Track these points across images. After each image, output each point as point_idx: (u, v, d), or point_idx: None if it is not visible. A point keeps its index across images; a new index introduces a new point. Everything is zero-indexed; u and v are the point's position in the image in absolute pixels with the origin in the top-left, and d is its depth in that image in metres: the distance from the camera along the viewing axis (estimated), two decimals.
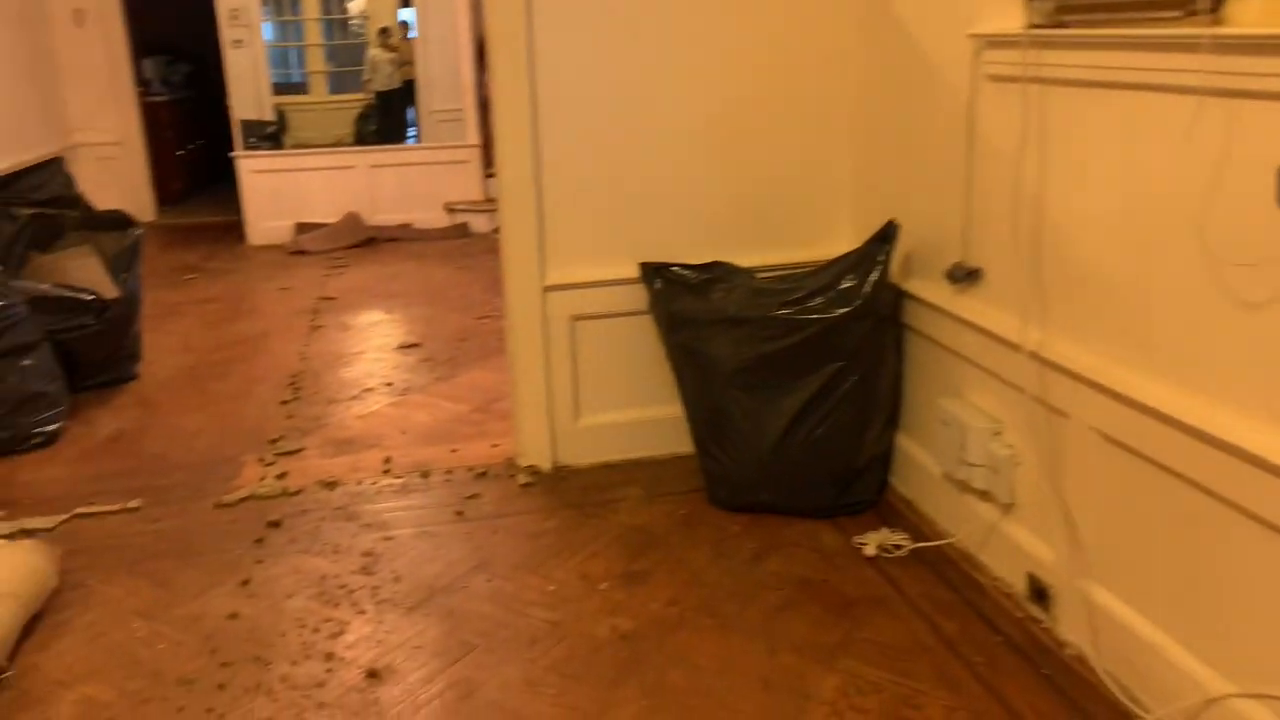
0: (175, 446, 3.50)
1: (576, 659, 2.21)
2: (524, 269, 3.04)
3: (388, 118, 9.19)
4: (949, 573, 2.50)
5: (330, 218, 7.08)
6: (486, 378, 4.08)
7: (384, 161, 7.21)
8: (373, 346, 4.64)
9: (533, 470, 3.13)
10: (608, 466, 3.14)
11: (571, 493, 3.01)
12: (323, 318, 5.15)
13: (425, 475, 3.20)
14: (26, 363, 3.50)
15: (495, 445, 3.37)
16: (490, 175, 7.28)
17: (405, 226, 7.25)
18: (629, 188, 3.01)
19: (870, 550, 2.61)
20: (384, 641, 2.29)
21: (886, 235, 2.67)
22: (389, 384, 4.10)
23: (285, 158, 7.14)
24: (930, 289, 2.66)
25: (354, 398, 3.95)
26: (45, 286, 3.79)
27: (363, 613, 2.41)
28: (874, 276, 2.63)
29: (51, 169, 5.60)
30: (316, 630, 2.34)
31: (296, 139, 9.22)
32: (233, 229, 7.20)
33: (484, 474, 3.17)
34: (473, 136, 7.28)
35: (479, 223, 7.25)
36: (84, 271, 4.00)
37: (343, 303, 5.45)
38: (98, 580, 2.59)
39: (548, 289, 3.04)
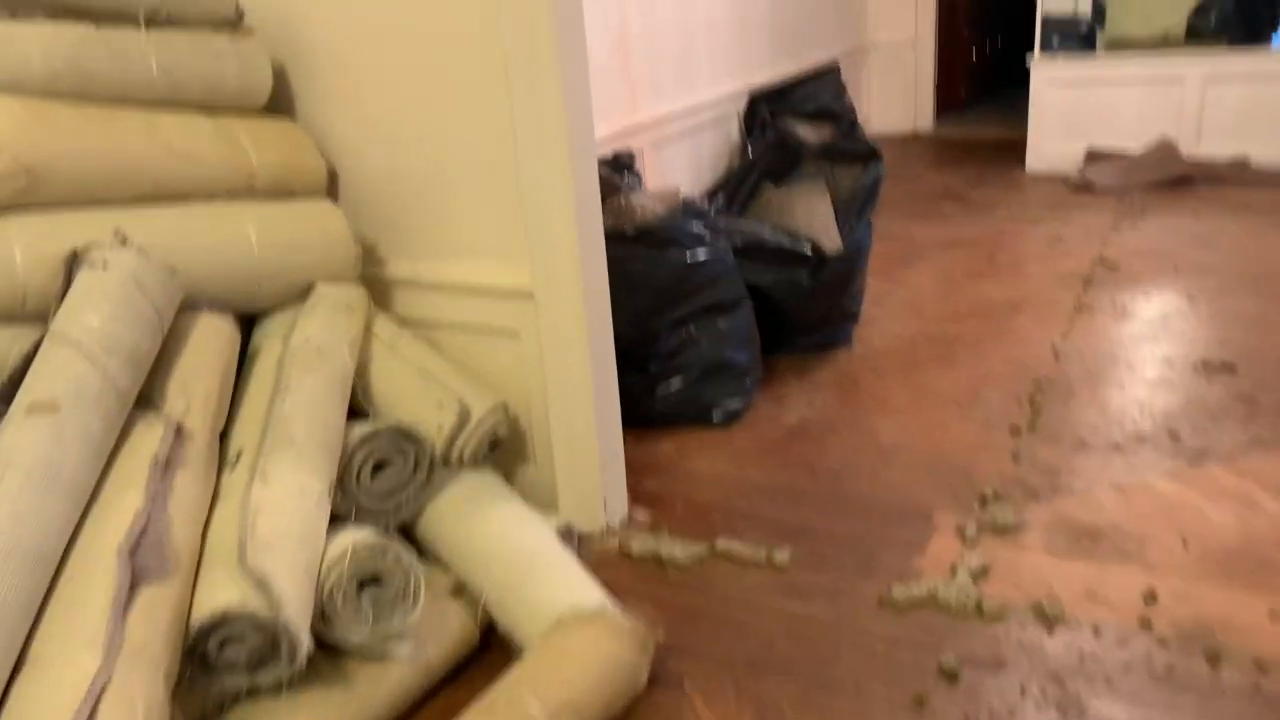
0: (860, 466, 2.69)
1: None
2: None
3: (1239, 7, 6.99)
4: None
5: (1132, 144, 5.52)
6: None
7: (1227, 71, 5.32)
8: (1158, 356, 3.23)
9: None
10: None
11: None
12: (1095, 292, 3.83)
13: (1212, 659, 1.86)
14: (723, 325, 2.97)
15: None
16: None
17: (1238, 164, 5.33)
18: None
19: None
20: None
21: None
22: (1173, 434, 2.71)
23: (1091, 65, 5.70)
24: None
25: (1115, 446, 2.67)
26: (764, 230, 3.22)
27: None
28: None
29: (826, 79, 5.13)
30: None
31: (1113, 34, 7.60)
32: (1012, 149, 6.09)
33: None
34: None
35: None
36: (810, 214, 3.35)
37: (1126, 272, 4.03)
38: (696, 688, 1.90)
39: None
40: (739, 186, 3.50)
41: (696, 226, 2.91)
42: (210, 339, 1.88)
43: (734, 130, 5.19)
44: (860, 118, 6.96)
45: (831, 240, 3.26)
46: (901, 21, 6.93)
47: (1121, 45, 6.27)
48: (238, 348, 1.98)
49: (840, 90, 5.16)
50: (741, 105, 5.15)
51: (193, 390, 1.77)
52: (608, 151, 3.70)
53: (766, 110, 4.99)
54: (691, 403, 2.95)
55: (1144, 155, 5.46)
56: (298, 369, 1.95)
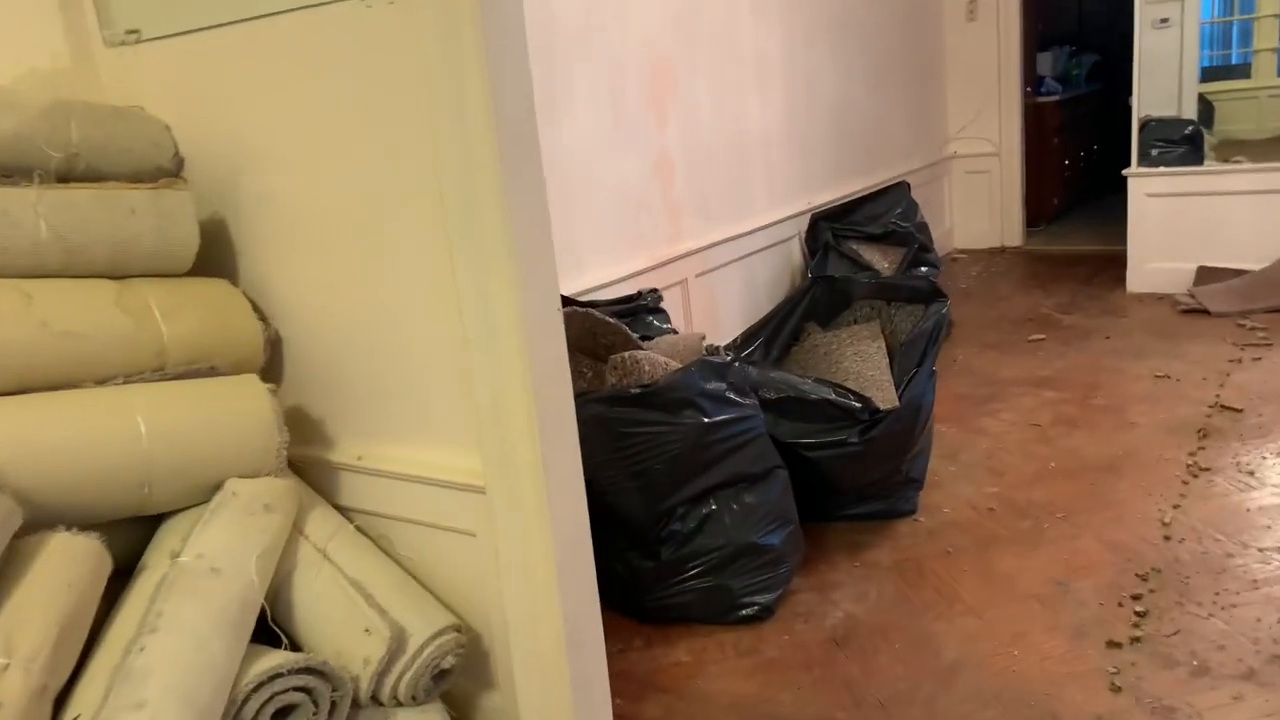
0: (914, 694, 2.15)
1: None
2: None
3: None
4: None
5: (1251, 263, 4.90)
6: None
7: None
8: None
9: None
10: None
11: None
12: (1213, 449, 3.22)
13: None
14: (751, 499, 2.51)
15: None
16: None
17: None
18: None
19: None
20: None
21: None
22: None
23: (1197, 176, 5.13)
24: None
25: (1246, 676, 2.08)
26: (805, 383, 2.76)
27: None
28: None
29: (893, 195, 4.72)
30: None
31: (1224, 135, 7.04)
32: (1110, 264, 5.51)
33: None
34: None
35: None
36: (861, 363, 2.89)
37: (1252, 421, 3.41)
38: None
39: None
40: (779, 330, 3.08)
41: (718, 382, 2.48)
42: (57, 569, 1.52)
43: (795, 254, 4.80)
44: (943, 233, 6.52)
45: (885, 395, 2.79)
46: (986, 130, 6.49)
47: (1230, 151, 5.71)
48: (105, 575, 1.61)
49: (910, 208, 4.73)
50: (803, 227, 4.77)
51: (15, 640, 1.40)
52: (632, 289, 3.33)
53: (829, 233, 4.59)
54: (713, 596, 2.47)
55: (1264, 273, 4.82)
56: (176, 597, 1.57)
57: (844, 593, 2.58)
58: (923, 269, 4.40)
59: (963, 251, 6.61)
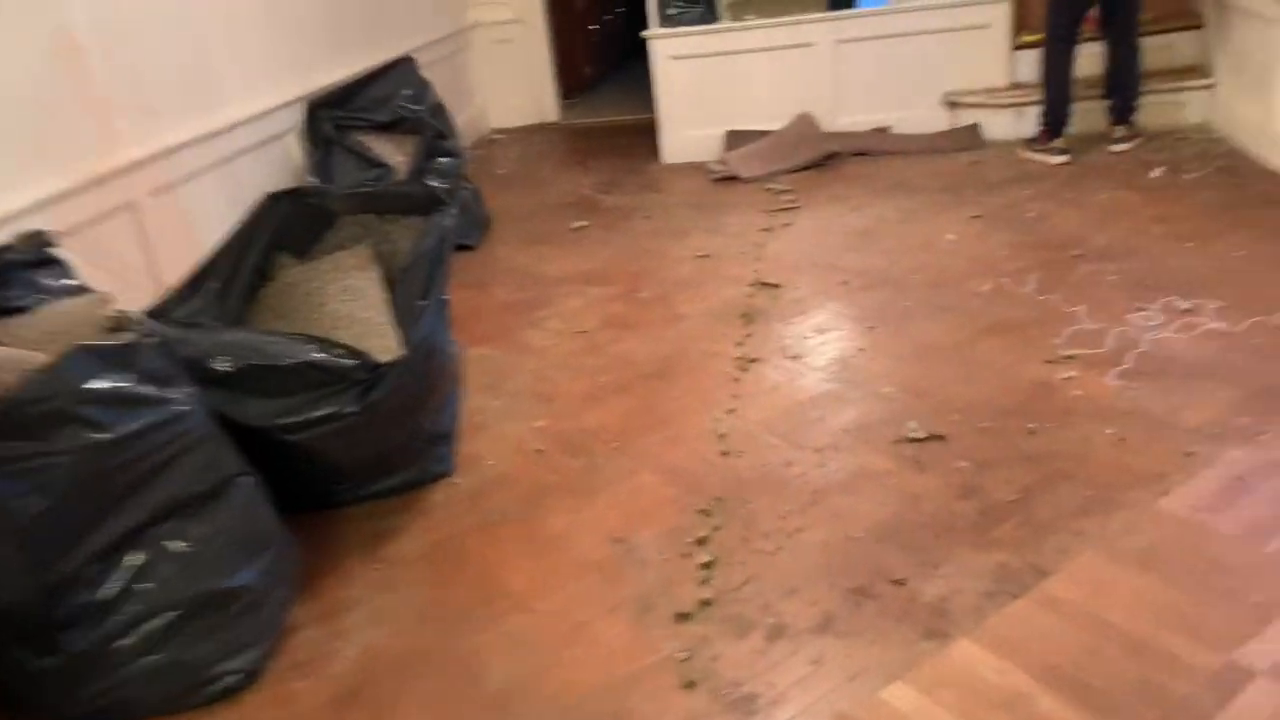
0: None
1: None
2: None
3: None
4: None
5: (775, 121, 4.87)
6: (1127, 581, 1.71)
7: (856, 34, 4.78)
8: (848, 432, 2.42)
9: None
10: None
11: None
12: (758, 333, 3.01)
13: None
14: (200, 529, 1.77)
15: None
16: (1024, 45, 4.58)
17: (880, 132, 4.84)
18: None
19: None
20: None
21: None
22: (899, 584, 1.88)
23: (714, 35, 4.96)
24: None
25: (823, 628, 1.79)
26: (276, 341, 2.03)
27: None
28: None
29: (398, 74, 3.98)
30: None
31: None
32: (649, 134, 5.23)
33: None
34: None
35: (997, 124, 4.62)
36: (351, 299, 2.21)
37: (790, 296, 3.26)
38: None
39: None
40: (238, 266, 2.27)
41: (118, 375, 1.67)
42: None
43: (296, 152, 3.91)
44: (476, 113, 5.91)
45: (386, 341, 2.15)
46: None
47: (743, 10, 5.67)
48: None
49: (422, 88, 4.03)
50: (300, 117, 3.89)
51: None
52: (43, 222, 2.31)
53: (330, 123, 3.76)
54: (168, 676, 1.72)
55: (785, 133, 4.82)
56: None
57: (359, 615, 1.97)
58: (442, 160, 3.76)
59: (501, 131, 6.07)
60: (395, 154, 3.78)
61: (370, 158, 3.69)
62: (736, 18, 5.35)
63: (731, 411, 2.57)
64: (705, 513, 2.15)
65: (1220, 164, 3.94)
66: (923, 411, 2.45)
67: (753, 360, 2.84)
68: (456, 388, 2.46)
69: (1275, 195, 3.56)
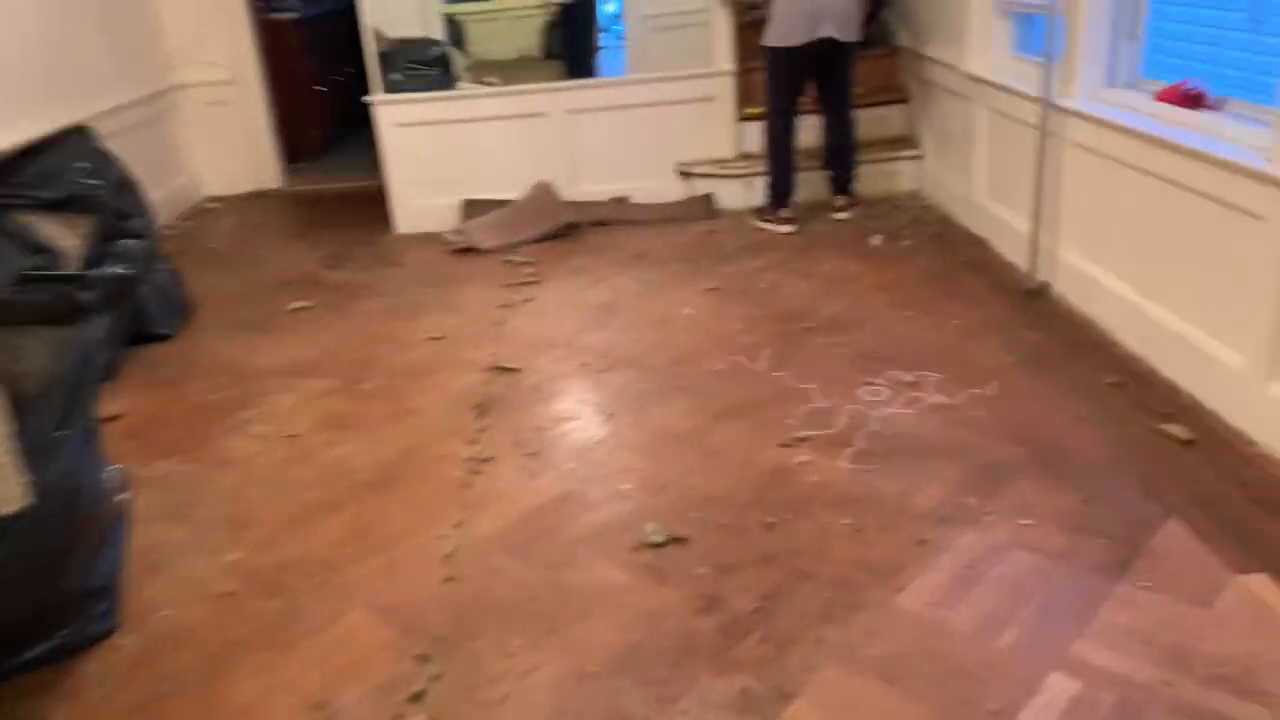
0: None
1: None
2: None
3: (572, 36, 6.79)
4: None
5: (514, 190, 4.71)
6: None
7: (588, 105, 4.72)
8: (588, 541, 2.23)
9: None
10: None
11: None
12: (494, 429, 2.78)
13: None
14: None
15: None
16: (748, 118, 4.69)
17: (619, 202, 4.79)
18: None
19: None
20: None
21: None
22: None
23: (444, 102, 4.75)
24: None
25: None
26: None
27: None
28: None
29: (71, 145, 3.48)
30: None
31: (477, 57, 6.98)
32: (382, 203, 4.91)
33: None
34: (723, 57, 4.66)
35: (729, 193, 4.69)
36: None
37: (529, 380, 3.07)
38: None
39: None
40: None
41: None
42: None
43: None
44: (187, 181, 5.35)
45: (6, 488, 1.73)
46: (215, 54, 5.40)
47: (484, 73, 5.51)
48: None
49: (100, 158, 3.53)
50: None
51: None
52: None
53: None
54: None
55: (523, 203, 4.67)
56: None
57: None
58: (126, 242, 3.28)
59: (216, 200, 5.53)
60: (67, 236, 3.25)
61: (35, 242, 3.15)
62: (478, 79, 5.19)
63: (460, 526, 2.31)
64: (424, 658, 1.88)
65: (932, 231, 4.16)
66: (663, 510, 2.31)
67: (486, 460, 2.60)
68: (119, 526, 2.06)
69: (980, 261, 3.77)
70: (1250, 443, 2.38)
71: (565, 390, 3.00)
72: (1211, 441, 2.42)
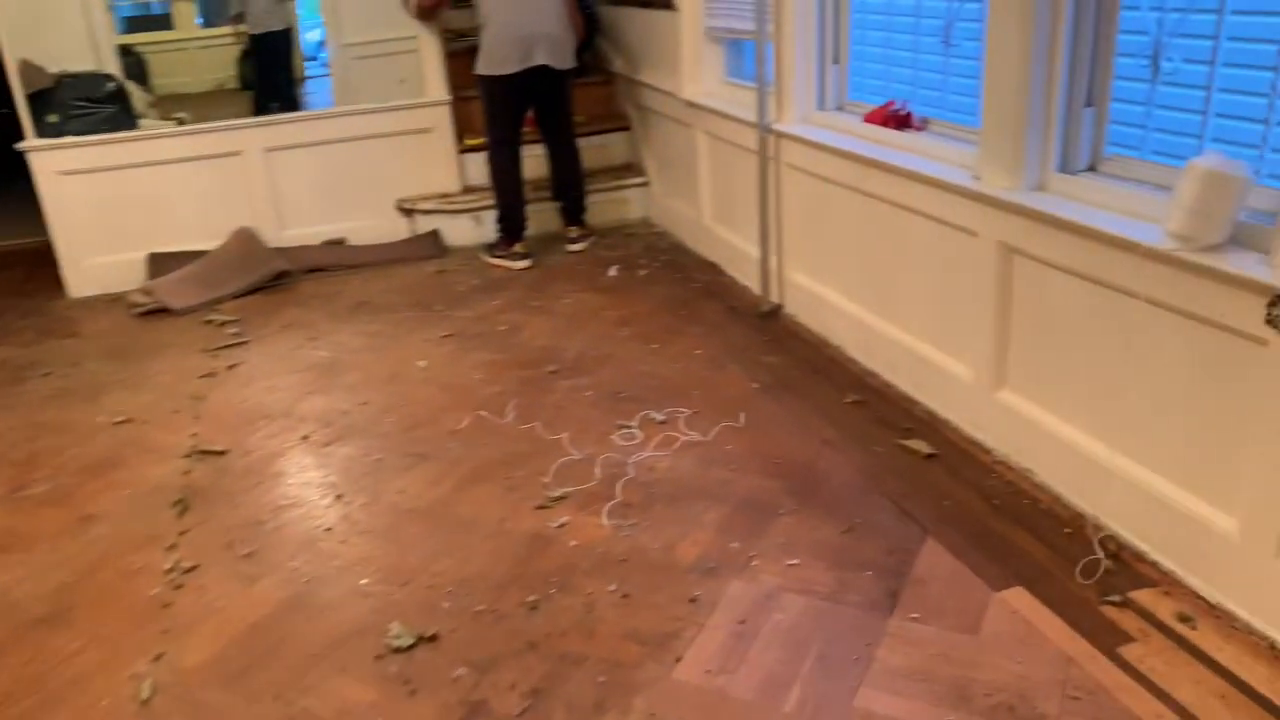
0: None
1: None
2: None
3: (268, 66, 6.38)
4: None
5: (210, 240, 4.20)
6: None
7: (288, 141, 4.31)
8: (320, 645, 1.92)
9: None
10: None
11: None
12: (199, 529, 2.37)
13: None
14: None
15: None
16: (469, 149, 4.47)
17: (336, 245, 4.41)
18: None
19: None
20: None
21: None
22: None
23: (117, 146, 4.16)
24: None
25: None
26: None
27: None
28: None
29: None
30: None
31: (163, 90, 6.33)
32: (53, 262, 4.23)
33: None
34: (436, 86, 4.41)
35: (457, 229, 4.45)
36: None
37: (238, 464, 2.67)
38: None
39: None
40: None
41: None
42: None
43: None
44: None
45: None
46: None
47: (173, 107, 4.93)
48: None
49: None
50: None
51: None
52: None
53: None
54: None
55: (221, 254, 4.17)
56: None
57: None
58: None
59: None
60: None
61: None
62: (166, 116, 4.61)
63: (160, 659, 1.92)
64: None
65: (666, 258, 4.13)
66: (408, 605, 2.03)
67: (190, 570, 2.20)
68: None
69: (715, 286, 3.77)
70: (987, 451, 2.45)
71: (284, 471, 2.63)
72: (952, 454, 2.47)
